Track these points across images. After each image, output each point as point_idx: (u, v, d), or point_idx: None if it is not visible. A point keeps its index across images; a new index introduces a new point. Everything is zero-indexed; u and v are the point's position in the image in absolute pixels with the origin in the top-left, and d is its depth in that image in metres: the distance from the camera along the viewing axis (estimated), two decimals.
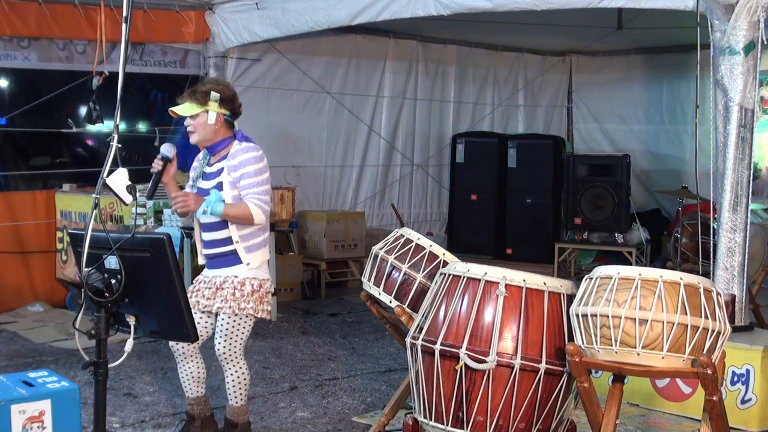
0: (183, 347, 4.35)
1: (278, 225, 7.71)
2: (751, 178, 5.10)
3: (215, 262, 4.29)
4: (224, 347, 4.26)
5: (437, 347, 3.55)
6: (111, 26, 7.54)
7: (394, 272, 4.20)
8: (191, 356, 4.39)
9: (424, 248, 4.20)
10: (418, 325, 3.75)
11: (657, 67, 10.94)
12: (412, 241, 4.23)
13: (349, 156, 9.82)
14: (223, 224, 4.23)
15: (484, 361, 3.45)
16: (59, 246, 7.70)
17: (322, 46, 9.27)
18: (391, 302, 4.19)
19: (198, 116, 4.23)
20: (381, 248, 4.32)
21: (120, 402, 5.18)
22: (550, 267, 9.50)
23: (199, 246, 4.39)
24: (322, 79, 9.39)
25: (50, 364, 5.90)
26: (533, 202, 10.14)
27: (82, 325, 2.96)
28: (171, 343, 4.40)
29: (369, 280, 4.31)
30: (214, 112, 4.22)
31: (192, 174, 4.45)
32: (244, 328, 4.27)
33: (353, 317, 7.61)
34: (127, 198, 2.92)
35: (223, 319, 4.23)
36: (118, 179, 2.89)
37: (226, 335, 4.24)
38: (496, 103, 11.24)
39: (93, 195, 2.88)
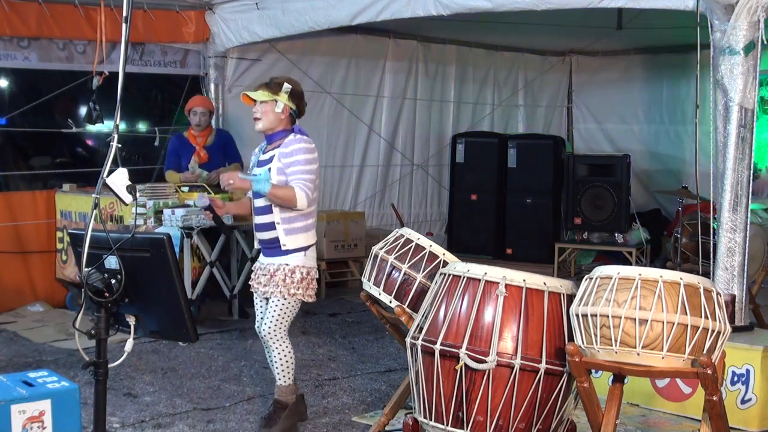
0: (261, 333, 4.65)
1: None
2: (751, 178, 5.10)
3: (268, 250, 4.63)
4: (269, 327, 4.58)
5: (437, 347, 3.55)
6: (111, 26, 7.53)
7: (394, 272, 4.20)
8: None
9: (424, 248, 4.20)
10: (418, 325, 3.75)
11: (657, 67, 10.93)
12: (412, 241, 4.23)
13: (349, 156, 9.82)
14: (269, 208, 4.56)
15: (484, 361, 3.45)
16: (59, 246, 7.70)
17: (322, 46, 9.26)
18: (391, 302, 4.19)
19: (267, 103, 4.56)
20: (381, 248, 4.32)
21: (120, 402, 5.18)
22: (550, 267, 9.49)
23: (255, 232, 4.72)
24: (322, 79, 9.39)
25: (50, 364, 5.90)
26: (533, 202, 10.13)
27: (82, 325, 2.96)
28: (258, 330, 4.68)
29: (369, 280, 4.31)
30: (282, 102, 4.57)
31: (252, 162, 4.77)
32: (291, 310, 4.60)
33: (353, 317, 7.60)
34: (127, 198, 2.92)
35: (273, 302, 4.57)
36: (118, 179, 2.89)
37: (273, 316, 4.58)
38: (496, 103, 11.24)
39: (93, 195, 2.88)
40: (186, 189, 7.30)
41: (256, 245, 4.75)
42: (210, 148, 7.63)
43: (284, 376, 4.65)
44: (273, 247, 4.60)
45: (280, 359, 4.63)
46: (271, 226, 4.56)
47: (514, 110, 11.54)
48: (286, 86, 4.57)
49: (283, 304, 4.56)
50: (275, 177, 4.50)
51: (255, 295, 4.75)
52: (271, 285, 4.57)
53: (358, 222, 8.87)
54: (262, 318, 4.68)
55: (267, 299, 4.66)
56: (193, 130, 7.63)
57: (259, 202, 4.61)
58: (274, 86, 4.58)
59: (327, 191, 9.62)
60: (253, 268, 4.76)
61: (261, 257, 4.71)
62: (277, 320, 4.57)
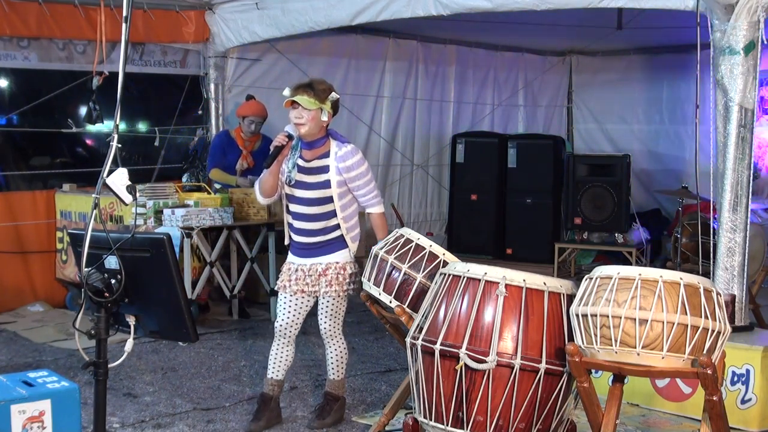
0: (290, 331, 4.73)
1: (278, 225, 7.71)
2: (751, 178, 5.10)
3: (317, 251, 4.65)
4: (330, 326, 4.73)
5: (437, 347, 3.55)
6: (111, 26, 7.53)
7: (394, 272, 4.20)
8: (291, 342, 4.79)
9: (424, 248, 4.20)
10: (418, 325, 3.75)
11: (657, 67, 10.93)
12: (412, 241, 4.23)
13: None
14: (329, 215, 4.63)
15: (484, 361, 3.46)
16: (59, 246, 7.70)
17: (322, 46, 9.26)
18: (391, 302, 4.19)
19: (313, 111, 4.49)
20: (381, 248, 4.32)
21: (120, 402, 5.18)
22: (550, 267, 9.48)
23: (290, 233, 4.70)
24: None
25: (50, 364, 5.90)
26: (533, 202, 10.13)
27: (82, 325, 2.96)
28: (278, 325, 4.72)
29: (369, 280, 4.31)
30: (326, 110, 4.53)
31: (288, 166, 4.62)
32: (344, 307, 4.75)
33: (353, 317, 7.58)
34: (127, 198, 2.92)
35: (328, 301, 4.68)
36: (118, 179, 2.89)
37: (331, 315, 4.71)
38: (496, 103, 11.24)
39: (93, 195, 2.88)
40: (186, 188, 7.31)
41: (287, 241, 4.75)
42: (256, 153, 7.57)
43: (339, 371, 4.84)
44: (319, 247, 4.64)
45: (337, 355, 4.81)
46: (323, 232, 4.61)
47: (514, 110, 11.54)
48: (334, 95, 4.54)
49: (338, 303, 4.69)
50: (336, 189, 4.57)
51: (287, 295, 4.70)
52: (323, 284, 4.62)
53: None
54: (291, 317, 4.70)
55: (308, 299, 4.70)
56: (242, 134, 7.59)
57: (310, 210, 4.61)
58: (320, 93, 4.50)
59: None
60: (285, 269, 4.73)
61: (298, 258, 4.69)
62: (335, 318, 4.72)
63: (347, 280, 4.66)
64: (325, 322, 4.72)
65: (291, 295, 4.69)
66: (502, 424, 3.50)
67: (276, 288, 4.78)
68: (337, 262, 4.65)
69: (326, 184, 4.58)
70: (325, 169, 4.59)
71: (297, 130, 4.53)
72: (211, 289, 7.58)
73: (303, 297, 4.70)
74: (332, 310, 4.70)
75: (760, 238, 6.50)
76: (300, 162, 4.62)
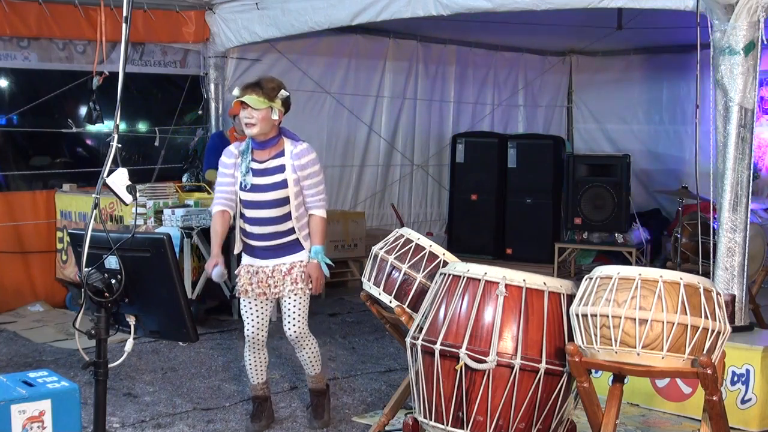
0: (261, 336, 4.65)
1: None
2: (751, 178, 5.10)
3: (276, 252, 4.57)
4: (301, 326, 4.61)
5: (437, 347, 3.55)
6: (111, 26, 7.54)
7: (394, 272, 4.20)
8: (264, 345, 4.71)
9: (424, 248, 4.20)
10: (418, 325, 3.75)
11: (657, 67, 10.93)
12: (412, 241, 4.23)
13: (349, 156, 9.82)
14: (286, 217, 4.54)
15: (484, 361, 3.46)
16: (59, 246, 7.70)
17: (322, 46, 9.27)
18: (391, 302, 4.19)
19: (263, 111, 4.42)
20: (381, 248, 4.32)
21: (120, 402, 5.18)
22: (550, 267, 9.48)
23: (245, 239, 4.61)
24: (322, 79, 9.39)
25: (50, 364, 5.90)
26: (533, 202, 10.13)
27: (82, 325, 2.96)
28: (248, 333, 4.64)
29: (369, 280, 4.31)
30: (277, 108, 4.46)
31: (231, 170, 4.57)
32: (308, 304, 4.64)
33: (353, 317, 7.60)
34: (127, 198, 2.92)
35: (296, 301, 4.57)
36: (118, 179, 2.89)
37: (300, 316, 4.60)
38: (496, 103, 11.24)
39: (93, 195, 2.88)
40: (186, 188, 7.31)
41: (238, 249, 4.65)
42: None
43: (317, 366, 4.78)
44: (281, 248, 4.56)
45: (312, 353, 4.73)
46: (281, 235, 4.53)
47: (514, 110, 11.54)
48: (283, 93, 4.47)
49: (305, 301, 4.60)
50: (292, 188, 4.51)
51: (250, 300, 4.61)
52: (288, 283, 4.54)
53: (358, 222, 8.86)
54: (259, 321, 4.63)
55: (268, 302, 4.62)
56: (236, 132, 7.59)
57: (269, 213, 4.51)
58: (270, 92, 4.43)
59: (327, 191, 9.60)
60: (244, 272, 4.61)
61: (258, 260, 4.58)
62: (303, 318, 4.61)
63: (308, 278, 4.57)
64: (295, 325, 4.58)
65: (254, 299, 4.60)
66: (502, 424, 3.50)
67: (236, 294, 4.67)
68: (301, 261, 4.57)
69: (283, 184, 4.50)
70: (280, 169, 4.50)
71: (247, 130, 4.46)
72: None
73: (265, 301, 4.61)
74: (300, 310, 4.57)
75: (760, 238, 6.50)
76: (254, 165, 4.53)
